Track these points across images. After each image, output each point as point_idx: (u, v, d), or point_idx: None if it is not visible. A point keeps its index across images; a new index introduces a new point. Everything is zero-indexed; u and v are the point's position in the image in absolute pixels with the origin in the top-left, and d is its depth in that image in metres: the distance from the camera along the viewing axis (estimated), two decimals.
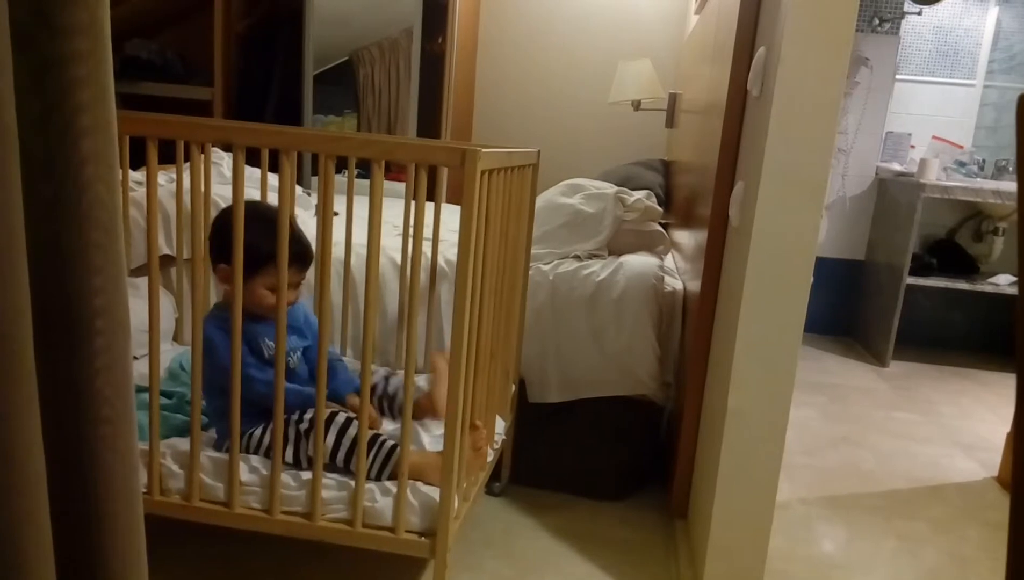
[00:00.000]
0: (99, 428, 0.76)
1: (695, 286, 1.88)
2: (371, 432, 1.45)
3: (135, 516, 0.82)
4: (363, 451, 1.36)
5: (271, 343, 1.52)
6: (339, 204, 1.95)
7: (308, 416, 1.45)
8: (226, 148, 1.40)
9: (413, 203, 1.39)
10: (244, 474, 1.42)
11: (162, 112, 1.39)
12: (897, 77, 3.93)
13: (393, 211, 2.12)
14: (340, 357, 1.78)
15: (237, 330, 1.35)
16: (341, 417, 1.45)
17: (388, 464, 1.42)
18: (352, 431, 1.43)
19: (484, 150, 1.27)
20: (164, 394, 1.62)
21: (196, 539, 1.66)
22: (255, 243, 1.36)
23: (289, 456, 1.44)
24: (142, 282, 1.36)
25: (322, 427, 1.38)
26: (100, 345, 0.76)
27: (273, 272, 1.37)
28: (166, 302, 1.97)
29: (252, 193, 2.01)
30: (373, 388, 1.67)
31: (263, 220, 1.39)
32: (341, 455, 1.43)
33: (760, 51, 1.55)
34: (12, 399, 0.66)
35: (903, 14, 3.84)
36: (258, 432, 1.47)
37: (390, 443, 1.44)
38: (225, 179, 2.14)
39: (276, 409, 1.37)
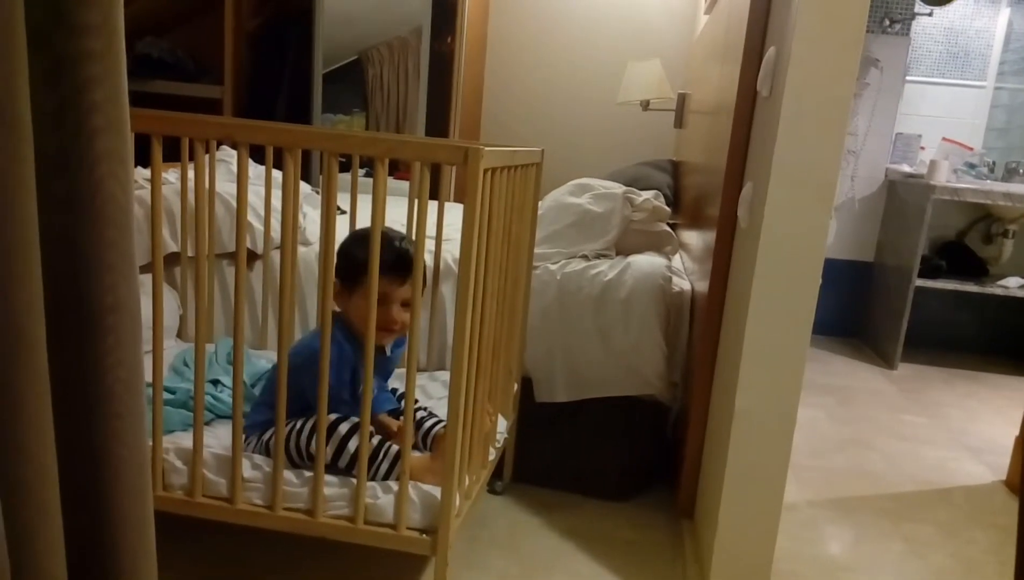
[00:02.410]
0: (111, 423, 0.77)
1: (703, 286, 1.88)
2: (377, 438, 1.45)
3: (145, 509, 0.82)
4: (364, 454, 1.36)
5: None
6: (346, 202, 1.96)
7: (312, 421, 1.45)
8: (234, 146, 1.41)
9: (417, 201, 1.39)
10: (247, 470, 1.42)
11: (173, 110, 1.39)
12: (907, 78, 3.91)
13: (399, 209, 2.13)
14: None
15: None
16: (344, 426, 1.44)
17: (394, 469, 1.42)
18: (356, 440, 1.41)
19: (487, 148, 1.27)
20: (168, 390, 1.63)
21: (198, 535, 1.67)
22: (356, 256, 1.39)
23: (293, 451, 1.45)
24: (147, 279, 1.36)
25: (323, 433, 1.39)
26: (112, 342, 0.77)
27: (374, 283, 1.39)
28: (170, 299, 1.98)
29: (258, 190, 2.02)
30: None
31: (388, 239, 1.42)
32: (344, 462, 1.42)
33: (770, 51, 1.55)
34: (26, 393, 0.67)
35: (914, 15, 3.82)
36: (272, 429, 1.48)
37: (396, 448, 1.44)
38: (234, 176, 2.14)
39: (279, 413, 1.38)
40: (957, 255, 3.86)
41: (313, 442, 1.41)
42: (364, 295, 1.39)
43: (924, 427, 2.87)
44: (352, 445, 1.41)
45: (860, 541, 1.98)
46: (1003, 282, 3.64)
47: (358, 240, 1.46)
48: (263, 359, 1.91)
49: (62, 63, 0.69)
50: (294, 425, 1.45)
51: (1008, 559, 1.94)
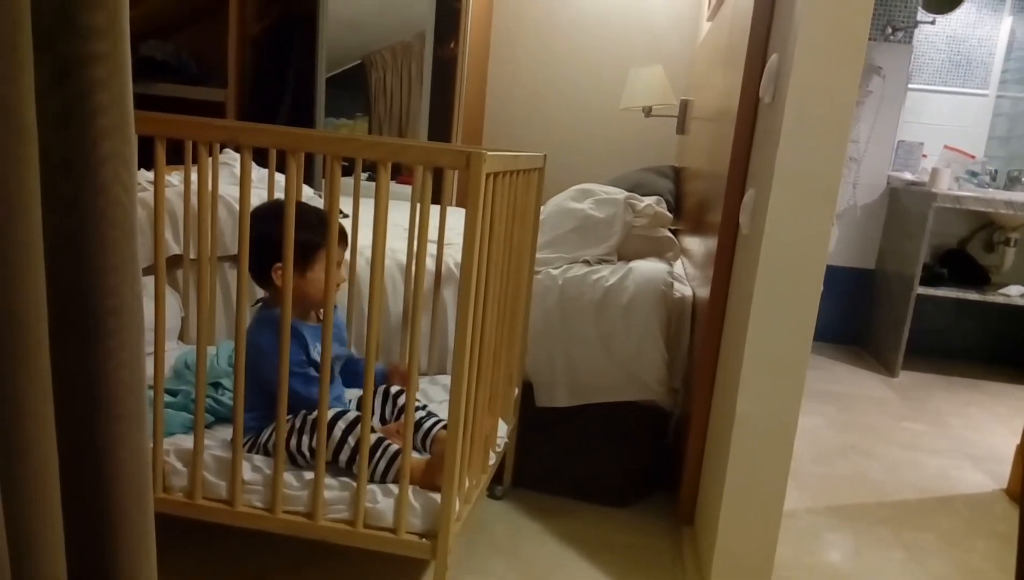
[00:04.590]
0: (113, 425, 0.77)
1: (704, 292, 1.88)
2: (375, 436, 1.45)
3: (146, 511, 0.82)
4: (365, 450, 1.36)
5: (319, 346, 1.53)
6: (348, 206, 1.96)
7: (312, 416, 1.45)
8: (237, 149, 1.43)
9: (419, 205, 1.40)
10: (247, 473, 1.43)
11: (176, 113, 1.40)
12: (910, 86, 3.91)
13: (401, 213, 2.14)
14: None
15: (286, 330, 1.36)
16: (342, 424, 1.44)
17: (391, 468, 1.42)
18: (358, 432, 1.42)
19: (489, 153, 1.27)
20: (168, 392, 1.64)
21: (198, 537, 1.67)
22: (305, 237, 1.39)
23: (294, 448, 1.45)
24: (149, 281, 1.36)
25: (324, 428, 1.39)
26: (114, 344, 0.77)
27: (324, 258, 1.40)
28: (172, 301, 1.98)
29: (260, 193, 2.02)
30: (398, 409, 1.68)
31: (303, 215, 1.40)
32: (344, 456, 1.43)
33: (772, 58, 1.55)
34: (28, 394, 0.67)
35: (916, 23, 3.83)
36: (270, 429, 1.48)
37: (394, 448, 1.44)
38: (236, 179, 2.15)
39: (280, 409, 1.38)
40: (959, 263, 3.86)
41: (313, 441, 1.41)
42: (320, 269, 1.45)
43: (925, 435, 2.87)
44: (352, 440, 1.42)
45: (860, 549, 1.97)
46: (1005, 290, 3.64)
47: (298, 221, 1.35)
48: None
49: (68, 65, 0.69)
50: (292, 424, 1.45)
51: (1008, 568, 1.93)
